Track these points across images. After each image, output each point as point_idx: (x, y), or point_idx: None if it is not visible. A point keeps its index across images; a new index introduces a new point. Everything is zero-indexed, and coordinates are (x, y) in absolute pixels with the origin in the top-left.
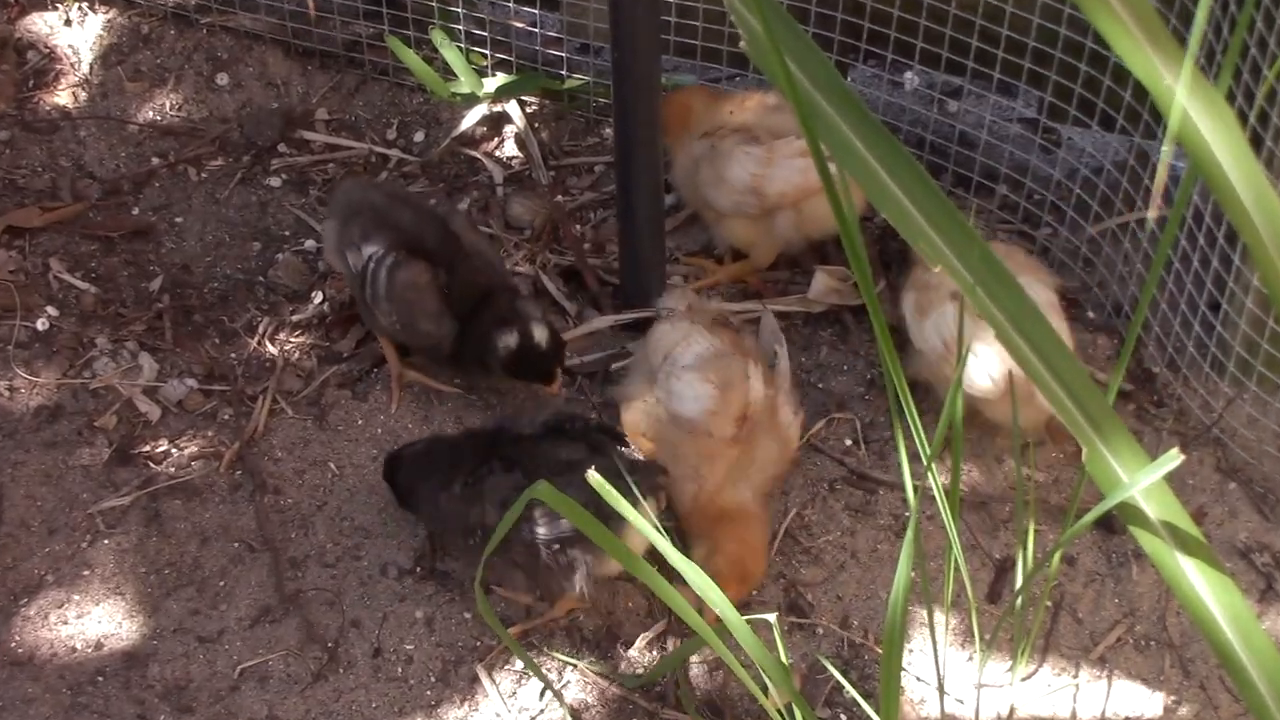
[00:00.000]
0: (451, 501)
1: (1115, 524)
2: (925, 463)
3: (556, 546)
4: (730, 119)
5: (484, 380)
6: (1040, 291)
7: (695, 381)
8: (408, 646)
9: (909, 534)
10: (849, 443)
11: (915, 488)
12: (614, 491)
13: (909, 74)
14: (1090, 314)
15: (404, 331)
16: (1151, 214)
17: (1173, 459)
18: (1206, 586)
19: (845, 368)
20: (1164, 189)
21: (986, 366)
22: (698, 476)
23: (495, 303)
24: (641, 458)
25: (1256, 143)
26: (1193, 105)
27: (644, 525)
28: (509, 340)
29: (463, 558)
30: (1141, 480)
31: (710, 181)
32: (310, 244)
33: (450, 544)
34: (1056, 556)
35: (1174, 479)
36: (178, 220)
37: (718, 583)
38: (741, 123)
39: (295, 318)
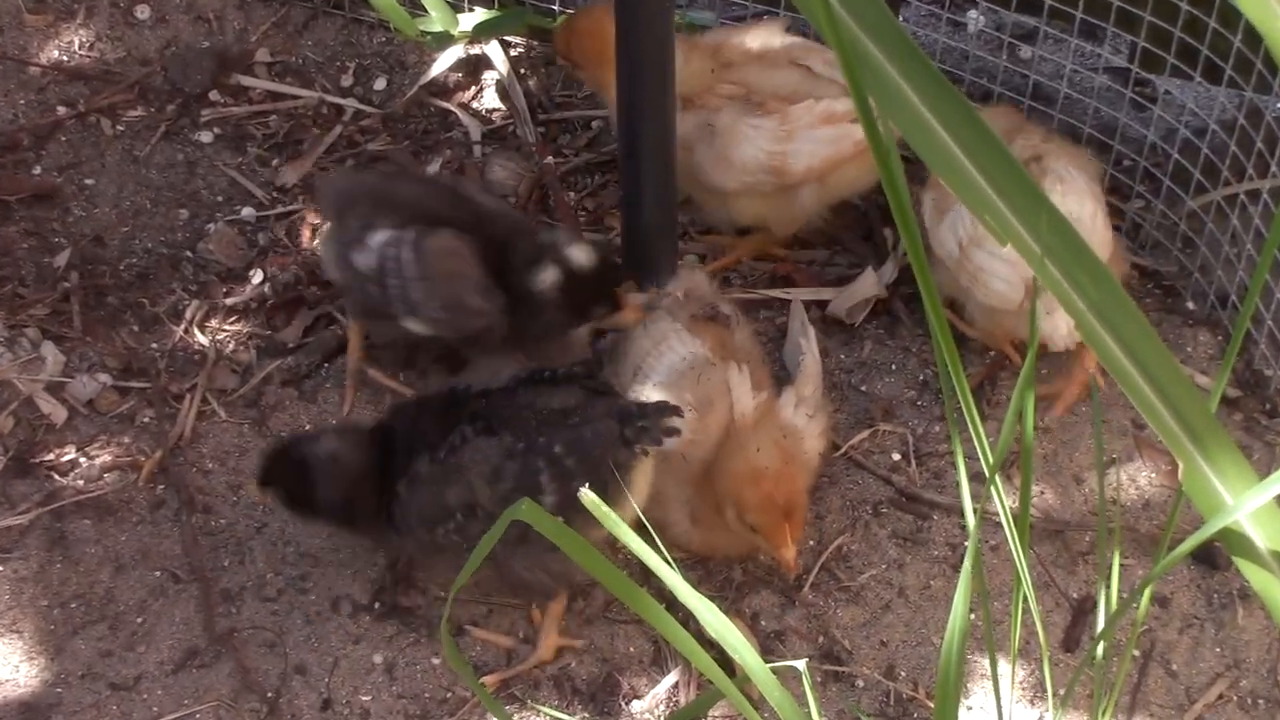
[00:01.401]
0: (415, 489)
1: (1218, 557)
2: (988, 479)
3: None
4: (715, 80)
5: (560, 350)
6: (1079, 186)
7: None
8: (363, 698)
9: (966, 566)
10: (897, 457)
11: (976, 511)
12: (609, 512)
13: (973, 12)
14: (1190, 304)
15: (450, 319)
16: (1266, 184)
17: None
18: None
19: (894, 367)
20: None
21: (1004, 272)
22: (690, 511)
23: (520, 252)
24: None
25: None
26: None
27: (643, 550)
28: (547, 277)
29: (430, 564)
30: (1249, 502)
31: (711, 164)
32: (248, 212)
33: (413, 552)
34: (1146, 595)
35: None
36: (88, 182)
37: (766, 533)
38: (736, 87)
39: (230, 301)
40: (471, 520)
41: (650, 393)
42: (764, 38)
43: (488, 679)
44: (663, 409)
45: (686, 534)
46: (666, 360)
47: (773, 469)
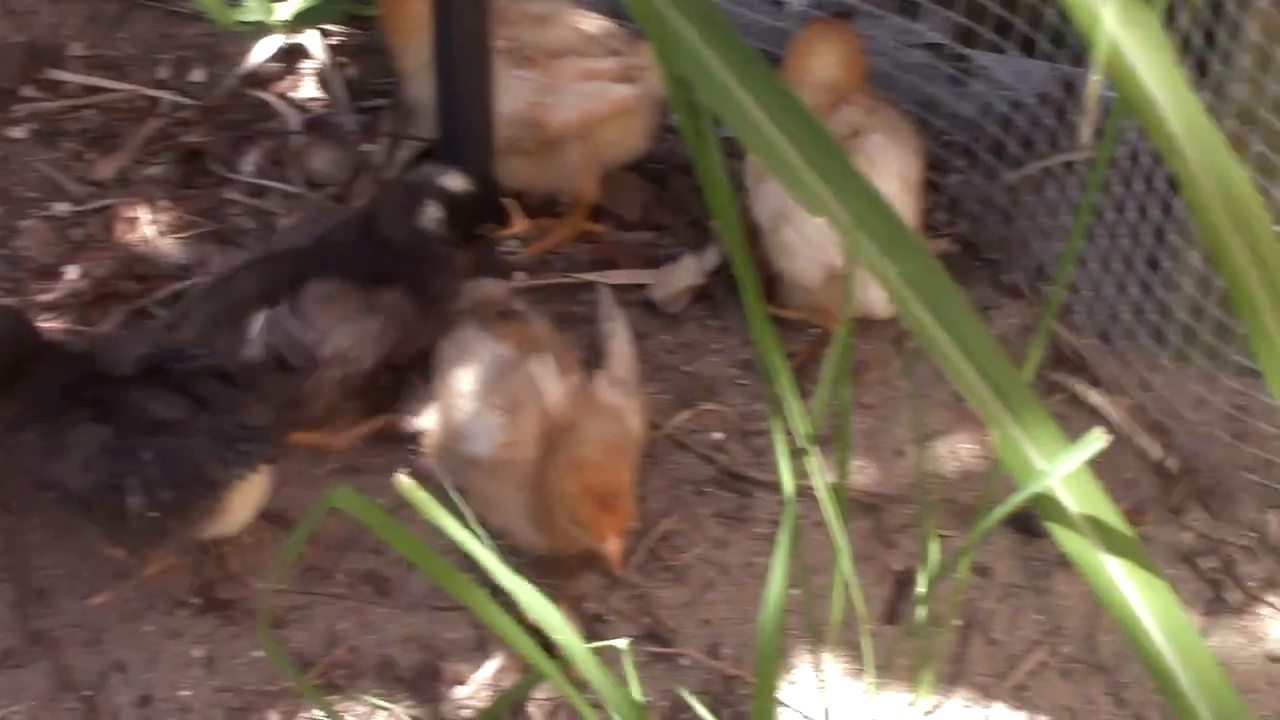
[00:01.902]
0: (25, 447)
1: (1035, 526)
2: (803, 452)
3: (152, 515)
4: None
5: (459, 294)
6: (889, 169)
7: (480, 412)
8: (183, 692)
9: (782, 539)
10: (720, 436)
11: (792, 487)
12: (430, 501)
13: None
14: (1006, 276)
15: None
16: (1080, 155)
17: (1097, 441)
18: (1139, 595)
19: (715, 347)
20: (1095, 124)
21: (806, 251)
22: (530, 515)
23: (392, 211)
24: (256, 417)
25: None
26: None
27: (467, 540)
28: (431, 211)
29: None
30: (1061, 467)
31: None
32: (64, 208)
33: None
34: (965, 565)
35: (1107, 472)
36: None
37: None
38: (508, 42)
39: (44, 298)
40: (67, 497)
41: (464, 402)
42: (551, 7)
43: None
44: (264, 434)
45: (531, 539)
46: (474, 366)
47: (592, 459)
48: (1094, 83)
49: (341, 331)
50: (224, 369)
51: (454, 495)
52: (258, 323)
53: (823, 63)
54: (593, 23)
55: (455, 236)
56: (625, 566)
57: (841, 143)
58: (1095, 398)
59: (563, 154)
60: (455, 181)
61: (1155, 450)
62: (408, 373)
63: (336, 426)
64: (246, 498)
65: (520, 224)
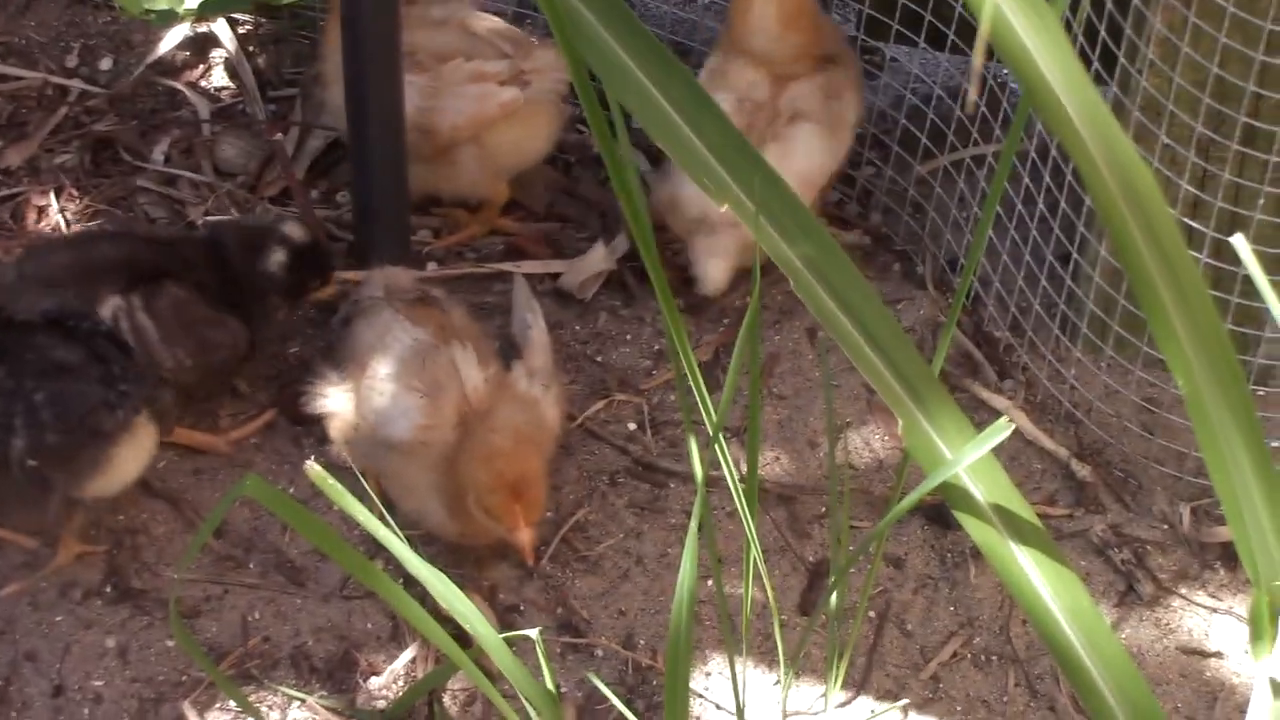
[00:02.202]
0: None
1: (949, 517)
2: (712, 441)
3: (33, 464)
4: None
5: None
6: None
7: (398, 394)
8: (96, 683)
9: (692, 529)
10: (633, 427)
11: (701, 477)
12: (338, 487)
13: None
14: (920, 268)
15: (197, 363)
16: (990, 148)
17: (1002, 430)
18: (1049, 586)
19: (629, 337)
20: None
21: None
22: (444, 500)
23: (237, 248)
24: (134, 366)
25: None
26: (1009, 8)
27: (373, 524)
28: (276, 258)
29: None
30: (967, 455)
31: None
32: None
33: None
34: (878, 555)
35: (1019, 463)
36: None
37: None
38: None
39: None
40: None
41: (382, 385)
42: (449, 10)
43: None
44: (145, 379)
45: (443, 525)
46: (393, 350)
47: (505, 448)
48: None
49: (186, 339)
50: (122, 340)
51: (365, 482)
52: (110, 304)
53: (763, 23)
54: (487, 25)
55: (289, 283)
56: (537, 557)
57: (780, 127)
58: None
59: (458, 158)
60: (299, 232)
61: (1062, 450)
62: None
63: (220, 427)
64: (130, 453)
65: (332, 290)
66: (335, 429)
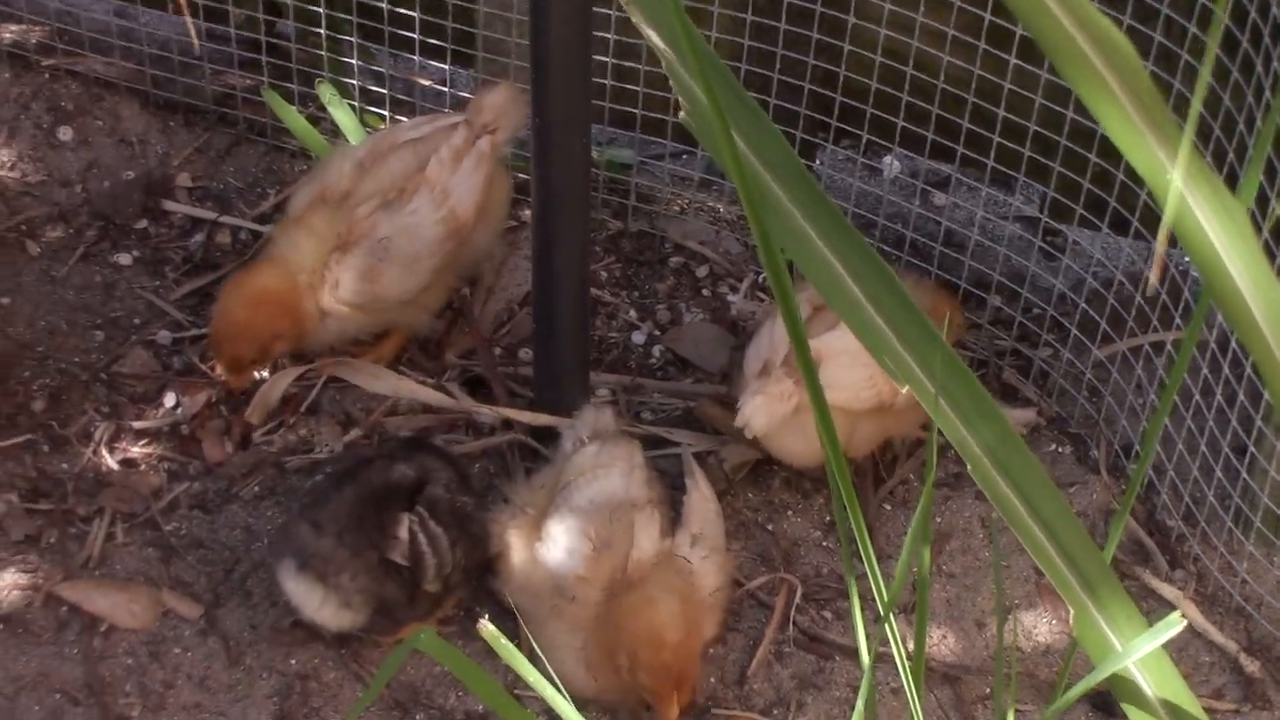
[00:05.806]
0: None
1: (1114, 706)
2: (882, 619)
3: None
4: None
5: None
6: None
7: (574, 532)
8: None
9: (859, 708)
10: (799, 598)
11: (872, 653)
12: (509, 647)
13: (889, 159)
14: (1094, 453)
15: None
16: (1170, 335)
17: (1174, 624)
18: None
19: (800, 507)
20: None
21: (763, 407)
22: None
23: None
24: None
25: None
26: (1194, 198)
27: (543, 685)
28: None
29: None
30: (1137, 649)
31: (388, 275)
32: (164, 334)
33: None
34: None
35: (1186, 654)
36: (3, 301)
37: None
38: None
39: (141, 424)
40: None
41: (567, 516)
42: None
43: None
44: None
45: (581, 680)
46: (594, 487)
47: (673, 638)
48: (1162, 235)
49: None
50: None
51: (530, 637)
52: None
53: None
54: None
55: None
56: None
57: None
58: (1169, 590)
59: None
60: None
61: (1231, 644)
62: None
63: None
64: None
65: None
66: (504, 527)
